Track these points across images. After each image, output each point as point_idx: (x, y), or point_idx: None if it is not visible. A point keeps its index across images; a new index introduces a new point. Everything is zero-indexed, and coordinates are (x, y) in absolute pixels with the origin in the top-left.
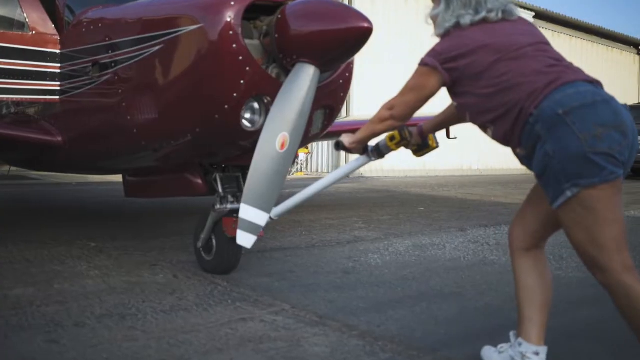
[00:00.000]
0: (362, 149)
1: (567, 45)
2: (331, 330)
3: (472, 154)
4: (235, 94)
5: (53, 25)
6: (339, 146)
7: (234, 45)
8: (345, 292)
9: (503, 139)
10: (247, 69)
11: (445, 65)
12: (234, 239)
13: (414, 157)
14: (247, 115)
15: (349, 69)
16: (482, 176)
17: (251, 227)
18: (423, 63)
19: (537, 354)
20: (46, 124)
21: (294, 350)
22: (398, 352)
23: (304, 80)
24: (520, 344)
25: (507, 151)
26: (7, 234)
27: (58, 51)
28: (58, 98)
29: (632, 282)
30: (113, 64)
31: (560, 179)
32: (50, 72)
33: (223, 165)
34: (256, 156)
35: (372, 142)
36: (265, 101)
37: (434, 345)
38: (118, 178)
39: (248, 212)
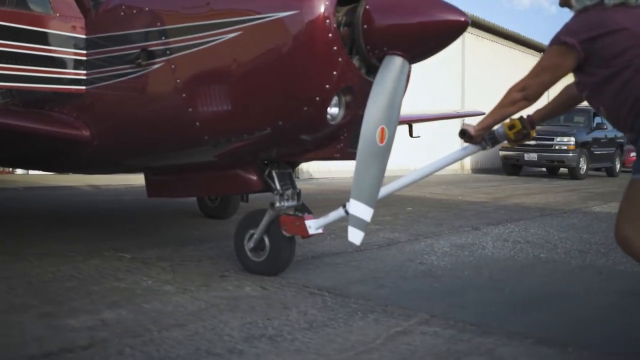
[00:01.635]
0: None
1: (489, 50)
2: (507, 338)
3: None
4: (327, 85)
5: (77, 7)
6: (464, 134)
7: (330, 35)
8: (457, 295)
9: (615, 121)
10: (339, 59)
11: (583, 44)
12: (292, 238)
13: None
14: (332, 109)
15: None
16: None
17: (360, 223)
18: (561, 42)
19: None
20: (68, 117)
21: None
22: None
23: (396, 72)
24: None
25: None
26: (14, 246)
27: (83, 36)
28: (84, 88)
29: None
30: (168, 52)
31: None
32: (75, 59)
33: (274, 159)
34: (360, 152)
35: None
36: (346, 94)
37: None
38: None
39: (359, 209)
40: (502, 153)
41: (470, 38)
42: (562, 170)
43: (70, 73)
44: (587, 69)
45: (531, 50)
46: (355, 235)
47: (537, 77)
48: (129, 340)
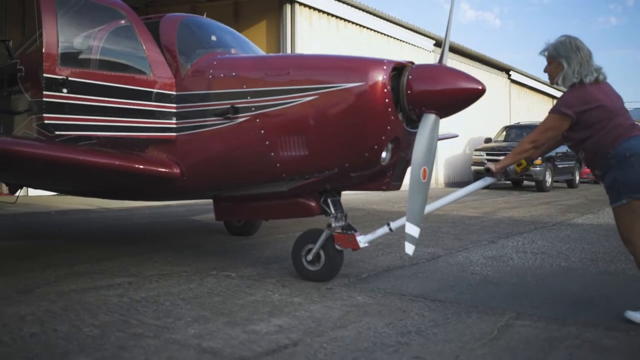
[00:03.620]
0: (501, 172)
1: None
2: (584, 326)
3: None
4: (383, 137)
5: (170, 70)
6: (488, 171)
7: (387, 100)
8: (524, 297)
9: (589, 163)
10: (392, 117)
11: (576, 115)
12: (342, 251)
13: None
14: (384, 153)
15: None
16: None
17: (413, 239)
18: (562, 112)
19: None
20: (161, 157)
21: None
22: None
23: (431, 126)
24: None
25: None
26: (129, 267)
27: (174, 93)
28: (175, 135)
29: None
30: (252, 108)
31: (622, 192)
32: (169, 112)
33: (329, 190)
34: (410, 186)
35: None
36: (393, 142)
37: None
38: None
39: (412, 229)
40: (473, 168)
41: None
42: (525, 182)
43: (163, 125)
44: (575, 129)
45: (492, 69)
46: (409, 248)
47: (543, 134)
48: (317, 339)
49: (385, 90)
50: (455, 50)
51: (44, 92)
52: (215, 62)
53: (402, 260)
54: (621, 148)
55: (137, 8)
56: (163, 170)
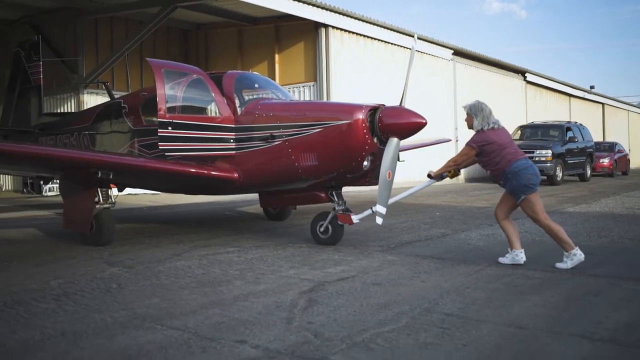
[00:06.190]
0: (438, 177)
1: (474, 76)
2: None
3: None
4: (363, 153)
5: (230, 111)
6: (430, 175)
7: (365, 131)
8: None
9: (494, 178)
10: (369, 140)
11: (479, 147)
12: (342, 226)
13: None
14: (365, 162)
15: None
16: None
17: (381, 215)
18: (470, 145)
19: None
20: (226, 167)
21: None
22: None
23: (395, 145)
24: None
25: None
26: (232, 242)
27: (234, 125)
28: (234, 152)
29: (549, 222)
30: (283, 136)
31: (519, 193)
32: (230, 138)
33: (334, 186)
34: (380, 182)
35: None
36: (371, 155)
37: None
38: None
39: (380, 208)
40: None
41: (459, 67)
42: (542, 177)
43: (227, 146)
44: (479, 156)
45: (508, 72)
46: (379, 220)
47: (461, 157)
48: (364, 275)
49: (364, 124)
50: (472, 57)
51: (159, 130)
52: (259, 106)
53: (419, 237)
54: (512, 167)
55: (189, 31)
56: (227, 175)
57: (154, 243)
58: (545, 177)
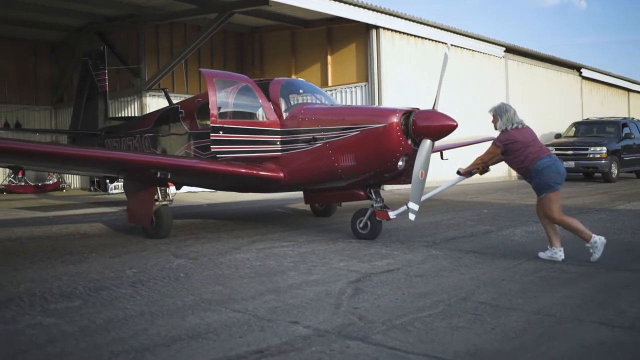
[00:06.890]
0: (467, 173)
1: (528, 73)
2: None
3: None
4: (398, 154)
5: (276, 115)
6: (459, 172)
7: (399, 133)
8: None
9: (522, 175)
10: (403, 142)
11: (504, 146)
12: (380, 221)
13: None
14: (400, 162)
15: None
16: (471, 184)
17: (414, 211)
18: (495, 144)
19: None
20: (273, 167)
21: None
22: None
23: (427, 147)
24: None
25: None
26: (277, 238)
27: (279, 129)
28: (280, 154)
29: (562, 218)
30: (324, 138)
31: (541, 190)
32: (276, 140)
33: (372, 184)
34: (412, 181)
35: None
36: (406, 156)
37: None
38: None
39: (413, 205)
40: None
41: (511, 64)
42: (597, 174)
43: (274, 148)
44: (505, 154)
45: (562, 68)
46: (412, 217)
47: (487, 155)
48: (409, 267)
49: (398, 127)
50: (525, 53)
51: (211, 134)
52: (302, 111)
53: (464, 233)
54: (536, 165)
55: (244, 34)
56: (274, 174)
57: (215, 237)
58: (599, 175)
